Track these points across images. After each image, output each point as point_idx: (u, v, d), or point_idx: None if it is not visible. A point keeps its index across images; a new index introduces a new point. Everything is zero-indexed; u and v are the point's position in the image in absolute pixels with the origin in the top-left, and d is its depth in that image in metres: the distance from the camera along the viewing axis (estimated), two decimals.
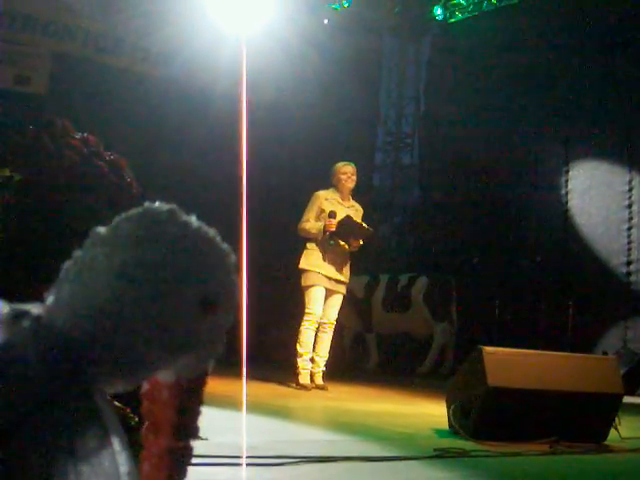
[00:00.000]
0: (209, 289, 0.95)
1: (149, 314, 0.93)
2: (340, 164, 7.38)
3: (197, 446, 2.73)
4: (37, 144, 1.76)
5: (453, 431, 4.32)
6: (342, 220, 6.94)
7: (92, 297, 0.96)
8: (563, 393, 4.23)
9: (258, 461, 2.82)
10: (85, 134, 1.93)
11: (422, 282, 11.45)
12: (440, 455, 3.47)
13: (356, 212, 7.29)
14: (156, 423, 1.08)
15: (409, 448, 3.66)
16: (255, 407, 5.01)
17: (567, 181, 11.29)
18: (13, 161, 1.80)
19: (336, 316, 7.17)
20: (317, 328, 7.03)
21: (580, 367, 4.42)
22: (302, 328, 6.92)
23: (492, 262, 11.73)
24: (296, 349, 6.94)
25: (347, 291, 11.59)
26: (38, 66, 9.66)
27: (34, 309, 0.98)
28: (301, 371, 6.88)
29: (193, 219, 1.01)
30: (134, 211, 1.02)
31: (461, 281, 11.44)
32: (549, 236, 11.15)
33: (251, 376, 7.27)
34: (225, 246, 1.00)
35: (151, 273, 0.93)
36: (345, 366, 11.43)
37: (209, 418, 3.46)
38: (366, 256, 13.50)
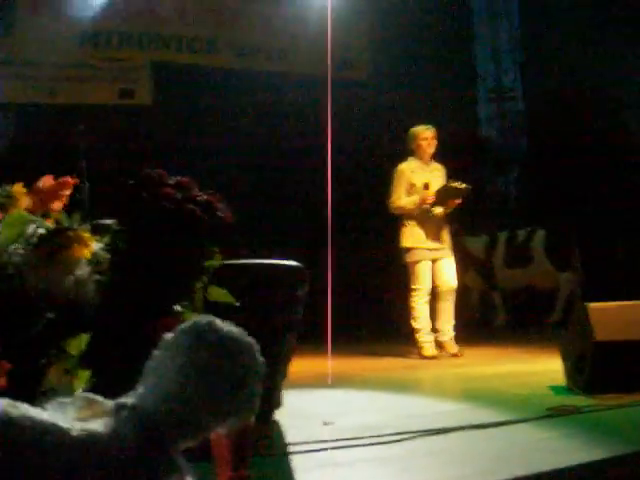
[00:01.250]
0: (239, 377, 1.37)
1: (202, 398, 1.35)
2: (419, 129, 7.27)
3: (321, 431, 3.01)
4: (136, 199, 2.05)
5: (569, 387, 4.47)
6: (439, 190, 6.99)
7: (166, 388, 1.35)
8: None
9: (374, 440, 3.06)
10: (179, 178, 2.20)
11: (541, 234, 11.44)
12: (552, 415, 3.63)
13: (441, 173, 7.30)
14: (220, 460, 1.38)
15: (523, 410, 3.80)
16: (381, 382, 5.30)
17: None
18: (116, 215, 2.11)
19: (455, 281, 7.18)
20: (437, 299, 7.13)
21: None
22: (413, 304, 7.00)
23: (612, 206, 11.54)
24: (413, 325, 7.06)
25: (468, 253, 11.71)
26: (140, 78, 10.13)
27: (130, 400, 1.36)
28: (422, 344, 6.99)
29: (225, 325, 1.42)
30: (188, 323, 1.45)
31: (582, 229, 11.34)
32: None
33: (383, 351, 7.56)
34: (251, 339, 1.42)
35: (199, 372, 1.35)
36: (474, 327, 11.60)
37: (338, 400, 3.77)
38: (484, 215, 13.59)
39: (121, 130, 9.79)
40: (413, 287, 7.08)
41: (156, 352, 1.42)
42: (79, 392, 1.56)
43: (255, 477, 2.53)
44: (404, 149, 7.47)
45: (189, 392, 1.33)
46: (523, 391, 4.56)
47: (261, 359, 1.44)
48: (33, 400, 2.33)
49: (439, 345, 7.07)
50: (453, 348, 7.03)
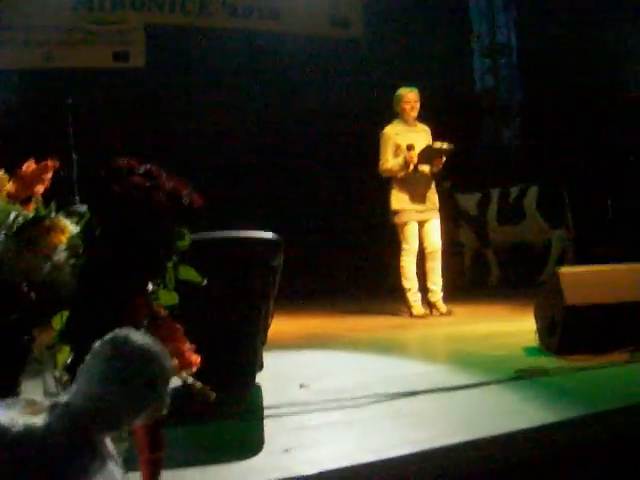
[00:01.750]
0: (149, 381, 1.69)
1: (120, 398, 1.66)
2: (403, 91, 7.41)
3: (297, 394, 3.20)
4: (105, 189, 2.20)
5: (542, 349, 4.66)
6: (422, 151, 7.13)
7: (92, 389, 1.66)
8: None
9: (344, 403, 3.24)
10: (148, 166, 2.34)
11: (533, 191, 11.56)
12: (519, 377, 3.82)
13: (426, 134, 7.45)
14: (140, 446, 1.85)
15: (495, 372, 3.98)
16: (365, 343, 5.50)
17: None
18: (88, 204, 2.27)
19: (439, 241, 7.36)
20: (425, 259, 7.32)
21: None
22: (403, 264, 7.24)
23: (603, 165, 11.64)
24: (403, 285, 7.28)
25: (461, 210, 11.85)
26: (134, 40, 10.20)
27: (63, 398, 1.69)
28: (412, 304, 7.23)
29: (140, 337, 1.73)
30: (109, 335, 1.76)
31: (574, 187, 11.45)
32: None
33: (375, 310, 7.77)
34: (160, 348, 1.74)
35: (116, 377, 1.67)
36: (467, 284, 11.80)
37: (319, 362, 3.96)
38: (477, 170, 13.69)
39: (116, 93, 9.89)
40: (402, 247, 7.29)
41: (87, 358, 1.71)
42: (22, 396, 1.90)
43: (226, 439, 2.73)
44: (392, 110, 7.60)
45: (109, 393, 1.64)
46: (499, 352, 4.74)
47: (169, 364, 1.77)
48: (19, 374, 2.53)
49: (429, 305, 7.27)
50: (442, 307, 7.23)
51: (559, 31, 12.11)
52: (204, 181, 9.31)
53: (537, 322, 4.80)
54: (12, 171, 2.69)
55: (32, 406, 1.69)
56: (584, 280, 4.51)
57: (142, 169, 2.36)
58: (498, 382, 3.72)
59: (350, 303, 8.71)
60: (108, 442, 1.70)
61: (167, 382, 1.74)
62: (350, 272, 11.02)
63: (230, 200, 9.74)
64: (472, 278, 12.30)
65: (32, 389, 2.30)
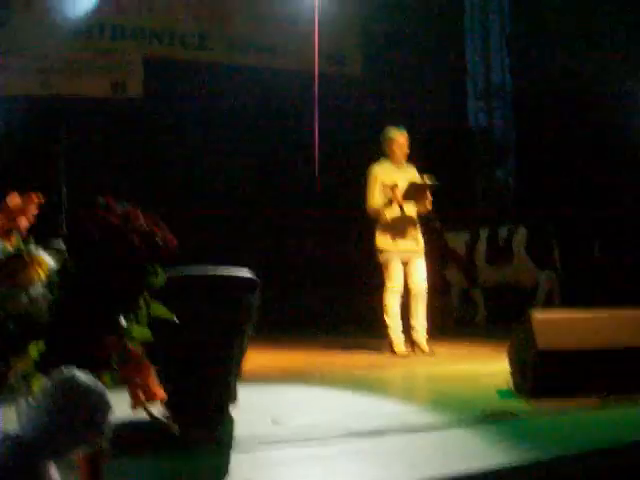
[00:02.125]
0: (89, 417, 1.89)
1: (62, 431, 1.86)
2: (393, 134, 7.46)
3: (268, 429, 3.28)
4: (82, 228, 2.31)
5: (514, 391, 4.75)
6: (406, 190, 7.21)
7: (38, 422, 1.88)
8: (612, 350, 4.55)
9: (313, 441, 3.33)
10: (125, 207, 2.46)
11: (522, 232, 11.64)
12: (487, 419, 3.90)
13: (414, 174, 7.46)
14: (81, 474, 2.05)
15: (465, 413, 4.07)
16: (342, 379, 5.57)
17: None
18: (66, 241, 2.38)
19: (424, 281, 7.37)
20: (410, 299, 7.37)
21: (628, 322, 4.72)
22: (386, 302, 7.28)
23: (591, 206, 11.73)
24: (385, 322, 7.34)
25: (449, 249, 11.93)
26: (132, 71, 10.34)
27: (13, 431, 1.90)
28: (394, 341, 7.27)
29: (83, 378, 1.92)
30: (55, 375, 1.99)
31: (560, 228, 11.55)
32: None
33: (358, 346, 7.83)
34: (101, 387, 1.96)
35: (59, 412, 1.87)
36: (455, 323, 11.86)
37: (293, 398, 4.03)
38: (467, 211, 13.81)
39: (113, 123, 10.02)
40: (387, 285, 7.35)
41: (36, 394, 1.95)
42: None
43: (190, 471, 2.82)
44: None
45: (55, 426, 1.86)
46: (471, 393, 4.82)
47: (108, 403, 1.95)
48: None
49: (412, 343, 7.33)
50: (425, 348, 7.27)
51: (554, 72, 12.28)
52: (196, 211, 9.39)
53: (510, 364, 4.89)
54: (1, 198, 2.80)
55: None
56: (556, 325, 4.61)
57: (119, 210, 2.47)
58: (466, 424, 3.80)
59: (333, 339, 8.78)
60: (53, 469, 1.90)
61: (106, 418, 1.94)
62: (335, 308, 11.09)
63: (220, 232, 9.88)
64: (460, 317, 12.36)
65: (7, 415, 2.39)
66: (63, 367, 2.13)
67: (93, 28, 10.13)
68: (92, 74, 10.05)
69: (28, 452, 1.83)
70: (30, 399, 1.98)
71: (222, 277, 3.54)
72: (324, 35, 11.51)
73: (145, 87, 10.53)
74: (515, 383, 4.79)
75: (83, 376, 1.95)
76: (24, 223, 2.80)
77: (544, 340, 4.48)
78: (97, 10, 9.93)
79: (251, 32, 11.30)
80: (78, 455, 2.00)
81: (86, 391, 1.91)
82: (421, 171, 7.58)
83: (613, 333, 4.61)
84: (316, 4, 10.72)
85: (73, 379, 1.93)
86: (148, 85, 10.56)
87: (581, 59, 11.70)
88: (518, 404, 4.34)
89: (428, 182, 7.28)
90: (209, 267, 3.63)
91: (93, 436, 1.91)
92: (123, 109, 10.15)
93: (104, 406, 1.93)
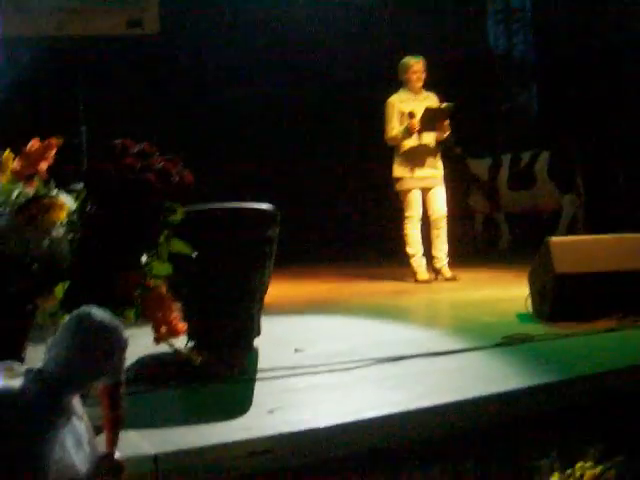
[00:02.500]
0: (107, 351, 1.99)
1: (83, 365, 1.96)
2: (410, 61, 7.41)
3: (290, 358, 3.39)
4: (100, 170, 2.38)
5: (534, 315, 4.82)
6: (422, 115, 7.20)
7: (61, 357, 1.97)
8: (629, 272, 4.60)
9: (333, 367, 3.43)
10: (142, 145, 2.52)
11: (544, 157, 11.60)
12: (505, 343, 3.98)
13: (433, 101, 7.43)
14: (102, 405, 2.12)
15: (484, 338, 4.14)
16: (365, 308, 5.67)
17: None
18: (85, 184, 2.45)
19: (444, 209, 7.43)
20: (430, 226, 7.44)
21: None
22: (406, 231, 7.36)
23: (615, 131, 11.63)
24: (407, 251, 7.42)
25: (472, 175, 11.93)
26: (147, 7, 10.25)
27: (37, 366, 2.00)
28: (417, 269, 7.36)
29: (100, 314, 2.01)
30: (75, 312, 2.06)
31: (585, 152, 11.49)
32: None
33: (381, 275, 7.93)
34: (117, 323, 2.03)
35: (80, 348, 1.96)
36: (478, 249, 11.94)
37: (317, 327, 4.15)
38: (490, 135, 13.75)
39: (129, 62, 10.01)
40: (405, 214, 7.41)
41: (57, 331, 2.03)
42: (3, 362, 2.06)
43: (215, 401, 2.93)
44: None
45: (75, 361, 1.97)
46: (492, 318, 4.90)
47: (125, 338, 2.05)
48: (24, 340, 2.74)
49: (434, 271, 7.42)
50: (447, 273, 7.36)
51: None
52: (214, 149, 9.44)
53: (530, 289, 4.96)
54: (22, 142, 2.87)
55: (10, 371, 2.00)
56: (573, 249, 4.66)
57: (136, 149, 2.53)
58: (483, 348, 3.89)
59: (357, 268, 8.88)
60: (77, 402, 2.02)
61: (122, 352, 2.05)
62: (358, 237, 11.16)
63: (238, 166, 9.92)
64: (483, 243, 12.42)
65: (36, 354, 2.50)
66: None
67: None
68: (107, 12, 9.99)
69: (50, 385, 1.94)
70: (53, 336, 2.05)
71: (241, 209, 3.60)
72: None
73: (162, 23, 10.45)
74: (535, 308, 4.86)
75: (100, 313, 2.03)
76: (44, 167, 2.88)
77: (562, 264, 4.53)
78: None
79: None
80: (98, 387, 2.10)
81: (102, 327, 1.99)
82: (441, 98, 7.56)
83: (631, 256, 4.65)
84: None
85: (90, 316, 2.00)
86: (164, 21, 10.49)
87: None
88: (537, 328, 4.40)
89: (442, 106, 7.23)
90: (228, 203, 3.69)
91: (111, 369, 2.02)
92: (140, 46, 10.11)
93: (120, 341, 2.03)
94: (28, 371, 1.99)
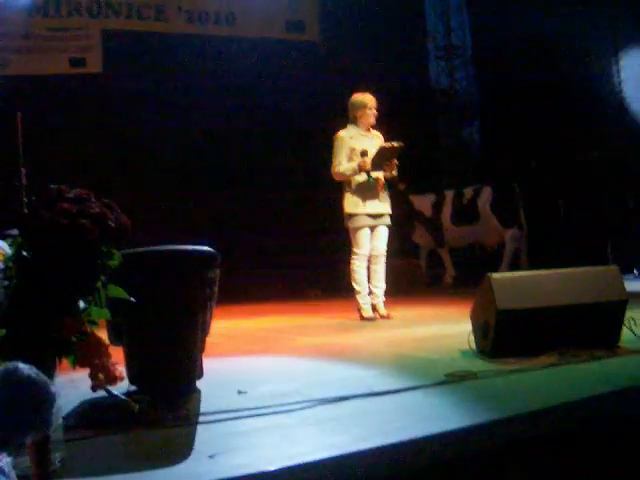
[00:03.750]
0: (33, 407, 1.97)
1: (9, 421, 1.95)
2: (365, 99, 7.51)
3: (232, 400, 3.35)
4: (35, 215, 2.36)
5: (477, 351, 4.86)
6: (376, 154, 7.27)
7: None
8: (570, 306, 4.67)
9: (278, 409, 3.41)
10: (78, 190, 2.50)
11: (487, 192, 11.80)
12: (448, 381, 4.00)
13: (380, 140, 7.56)
14: (30, 460, 2.09)
15: (427, 375, 4.16)
16: (309, 346, 5.66)
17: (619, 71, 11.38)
18: (19, 229, 2.42)
19: (385, 247, 7.53)
20: (369, 261, 7.50)
21: (584, 279, 4.84)
22: (353, 267, 7.43)
23: (555, 165, 11.86)
24: (353, 288, 7.46)
25: (416, 211, 12.04)
26: (90, 46, 10.27)
27: None
28: (362, 306, 7.43)
29: (26, 369, 1.99)
30: (1, 368, 2.04)
31: (525, 186, 11.69)
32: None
33: (326, 309, 7.95)
34: (44, 378, 2.01)
35: (5, 404, 1.96)
36: (423, 283, 12.03)
37: (260, 368, 4.13)
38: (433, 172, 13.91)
39: (73, 99, 9.98)
40: (354, 250, 7.46)
41: None
42: None
43: (154, 447, 2.89)
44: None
45: (1, 418, 1.93)
46: (435, 355, 4.93)
47: (53, 392, 2.04)
48: None
49: (371, 307, 7.47)
50: (382, 310, 7.45)
51: (512, 30, 12.34)
52: (155, 187, 9.43)
53: (472, 325, 5.00)
54: None
55: None
56: (514, 285, 4.72)
57: (72, 194, 2.51)
58: (425, 386, 3.89)
59: (302, 303, 8.88)
60: (3, 458, 2.00)
61: (51, 407, 2.03)
62: (303, 273, 11.20)
63: (179, 205, 9.91)
64: (429, 279, 12.54)
65: None
66: (6, 362, 2.21)
67: (49, 5, 10.02)
68: (50, 51, 9.96)
69: None
70: None
71: (180, 252, 3.59)
72: (283, 1, 11.49)
73: (104, 61, 10.47)
74: (478, 344, 4.90)
75: (26, 368, 2.02)
76: None
77: (503, 300, 4.58)
78: None
79: (209, 1, 11.24)
80: (26, 443, 2.08)
81: (29, 383, 1.98)
82: (385, 136, 7.65)
83: (571, 290, 4.72)
84: None
85: (16, 371, 2.00)
86: (107, 59, 10.50)
87: (540, 16, 11.78)
88: (480, 365, 4.43)
89: (395, 145, 7.31)
90: (168, 245, 3.67)
91: (39, 425, 2.00)
92: (83, 85, 10.09)
93: (48, 396, 2.02)
94: None
